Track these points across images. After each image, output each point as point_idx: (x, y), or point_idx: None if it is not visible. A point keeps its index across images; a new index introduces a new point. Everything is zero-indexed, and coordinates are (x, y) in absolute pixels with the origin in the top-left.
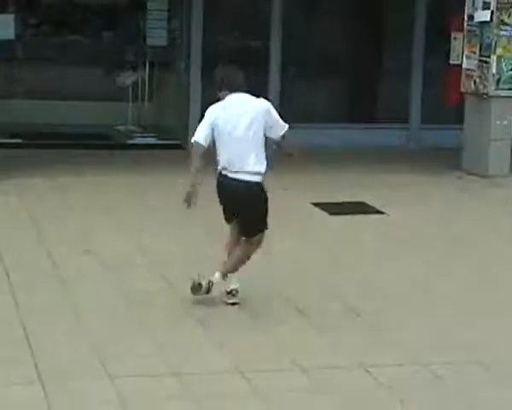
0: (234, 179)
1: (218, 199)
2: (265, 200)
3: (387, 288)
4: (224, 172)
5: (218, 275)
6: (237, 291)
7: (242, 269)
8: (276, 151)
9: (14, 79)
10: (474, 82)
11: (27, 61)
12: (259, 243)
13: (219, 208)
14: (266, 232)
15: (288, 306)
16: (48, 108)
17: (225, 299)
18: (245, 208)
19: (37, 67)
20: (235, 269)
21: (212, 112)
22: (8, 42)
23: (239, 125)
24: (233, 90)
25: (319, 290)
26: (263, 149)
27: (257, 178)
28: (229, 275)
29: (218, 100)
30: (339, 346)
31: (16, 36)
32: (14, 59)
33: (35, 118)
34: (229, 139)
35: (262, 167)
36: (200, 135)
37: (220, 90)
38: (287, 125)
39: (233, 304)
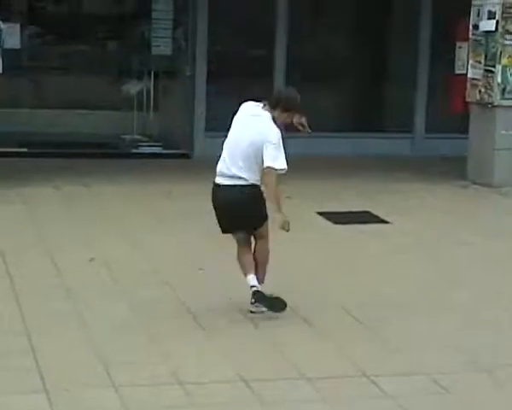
0: None
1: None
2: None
3: (392, 296)
4: None
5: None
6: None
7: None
8: None
9: (20, 88)
10: (479, 91)
11: (33, 71)
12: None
13: None
14: (271, 242)
15: (291, 314)
16: (53, 117)
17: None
18: None
19: (42, 76)
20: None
21: None
22: (14, 51)
23: None
24: None
25: (323, 299)
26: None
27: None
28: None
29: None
30: (343, 354)
31: (22, 45)
32: (20, 68)
33: (41, 127)
34: None
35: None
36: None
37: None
38: (274, 164)
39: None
